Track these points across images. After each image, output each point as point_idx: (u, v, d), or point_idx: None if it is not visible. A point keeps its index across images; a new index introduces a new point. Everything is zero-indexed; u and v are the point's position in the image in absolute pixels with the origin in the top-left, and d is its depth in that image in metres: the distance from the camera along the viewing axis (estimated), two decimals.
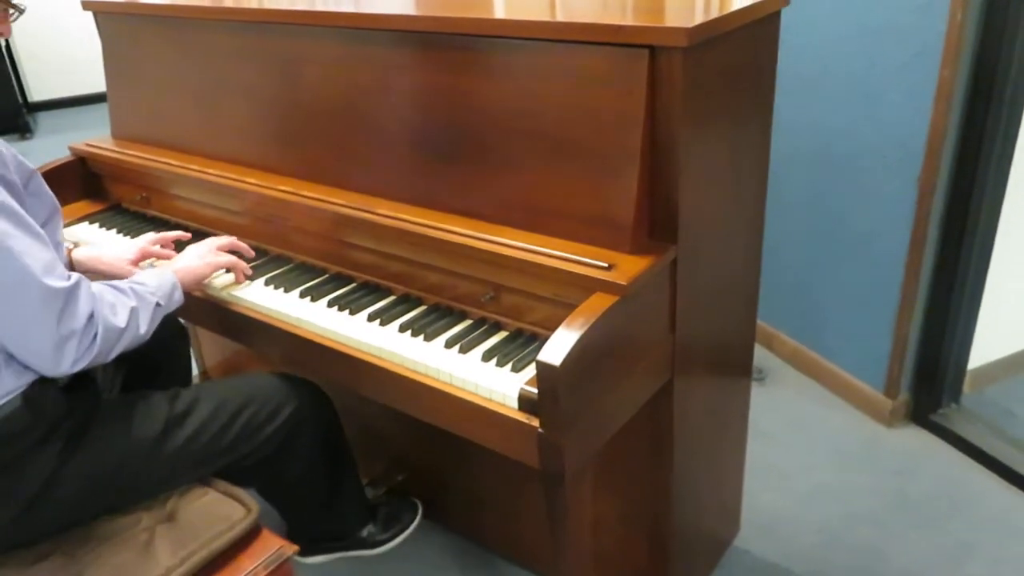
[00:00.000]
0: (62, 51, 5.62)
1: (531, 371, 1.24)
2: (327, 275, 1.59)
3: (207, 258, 1.52)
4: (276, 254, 1.67)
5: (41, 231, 1.19)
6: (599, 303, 1.18)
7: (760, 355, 2.63)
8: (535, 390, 1.16)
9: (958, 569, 1.84)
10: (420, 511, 1.94)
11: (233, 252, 1.58)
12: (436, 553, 1.95)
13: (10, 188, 1.17)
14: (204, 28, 1.78)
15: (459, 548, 1.95)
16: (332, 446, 1.63)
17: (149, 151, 1.90)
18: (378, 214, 1.47)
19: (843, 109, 2.17)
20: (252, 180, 1.68)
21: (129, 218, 1.92)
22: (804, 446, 2.26)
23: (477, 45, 1.36)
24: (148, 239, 1.64)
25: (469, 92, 1.40)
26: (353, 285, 1.54)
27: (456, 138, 1.43)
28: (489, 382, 1.23)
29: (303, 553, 1.71)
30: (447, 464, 1.93)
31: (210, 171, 1.75)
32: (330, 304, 1.48)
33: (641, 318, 1.27)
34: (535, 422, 1.16)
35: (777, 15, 1.41)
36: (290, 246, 1.66)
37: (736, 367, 1.74)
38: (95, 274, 1.54)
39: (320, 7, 1.64)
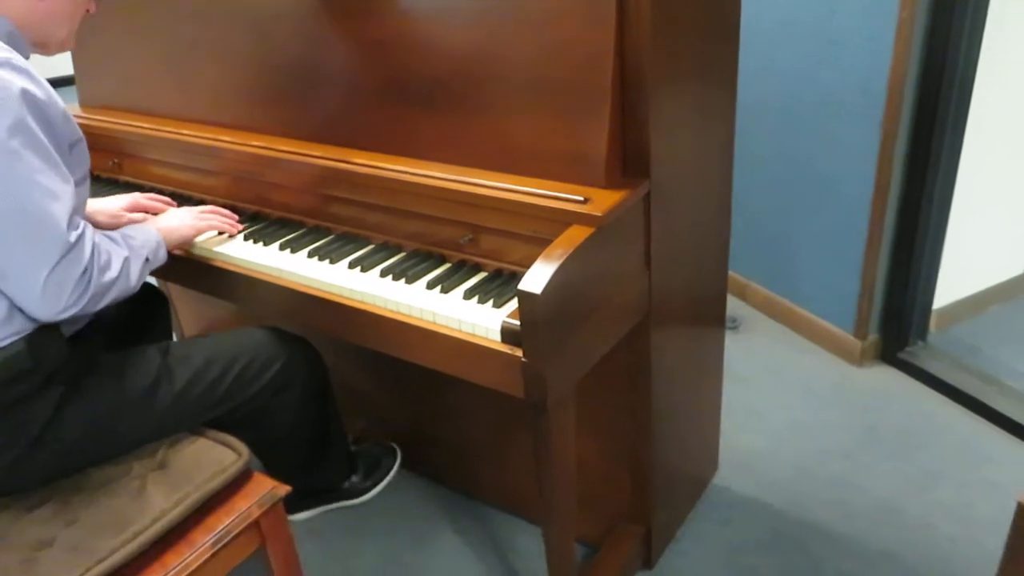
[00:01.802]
0: None
1: (512, 305, 1.28)
2: (305, 228, 1.60)
3: (190, 221, 1.54)
4: (253, 212, 1.68)
5: (71, 179, 1.20)
6: (576, 235, 1.21)
7: (734, 304, 2.69)
8: (517, 322, 1.19)
9: (926, 495, 1.92)
10: (399, 454, 1.97)
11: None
12: (422, 503, 1.98)
13: (52, 132, 1.18)
14: None
15: (445, 497, 1.99)
16: (321, 401, 1.65)
17: (118, 116, 1.90)
18: (355, 163, 1.49)
19: (806, 56, 2.21)
20: (225, 138, 1.68)
21: (102, 185, 1.91)
22: (778, 388, 2.32)
23: None
24: (137, 195, 1.66)
25: (439, 38, 1.41)
26: (332, 236, 1.56)
27: (428, 85, 1.45)
28: (472, 318, 1.26)
29: (289, 511, 1.74)
30: (432, 416, 1.96)
31: (182, 131, 1.75)
32: (310, 255, 1.50)
33: (617, 250, 1.31)
34: (518, 352, 1.19)
35: None
36: (267, 203, 1.67)
37: (710, 313, 1.78)
38: (94, 225, 1.56)
39: None
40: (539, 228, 1.30)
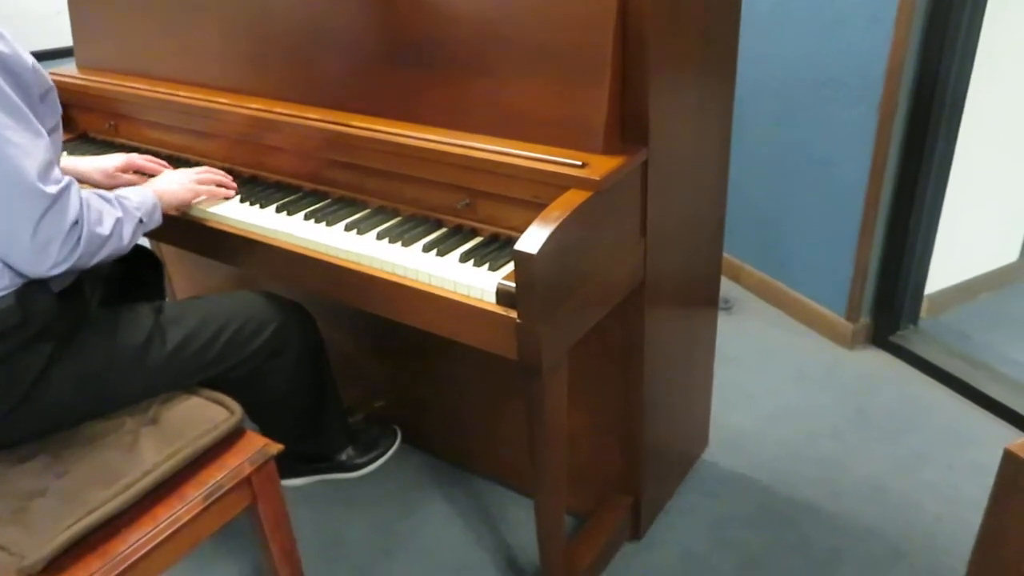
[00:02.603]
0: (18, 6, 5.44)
1: (507, 269, 1.28)
2: (302, 191, 1.60)
3: (187, 184, 1.53)
4: (250, 175, 1.68)
5: (44, 132, 1.19)
6: (574, 198, 1.21)
7: (727, 286, 2.70)
8: (512, 284, 1.19)
9: (913, 475, 1.93)
10: (399, 436, 1.98)
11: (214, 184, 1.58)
12: (414, 473, 1.99)
13: (18, 85, 1.17)
14: None
15: (436, 468, 2.00)
16: (315, 366, 1.65)
17: (115, 78, 1.89)
18: (354, 127, 1.48)
19: (805, 37, 2.21)
20: (223, 100, 1.68)
21: (97, 147, 1.90)
22: (769, 369, 2.33)
23: None
24: (132, 155, 1.66)
25: (438, 2, 1.41)
26: (329, 200, 1.56)
27: (429, 49, 1.44)
28: (467, 280, 1.26)
29: (283, 475, 1.75)
30: (424, 388, 1.97)
31: (179, 93, 1.74)
32: (307, 217, 1.50)
33: (614, 216, 1.31)
34: (513, 314, 1.20)
35: None
36: (263, 166, 1.67)
37: (704, 292, 1.79)
38: (89, 184, 1.60)
39: None
40: (536, 192, 1.30)
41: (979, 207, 2.37)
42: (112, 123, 1.90)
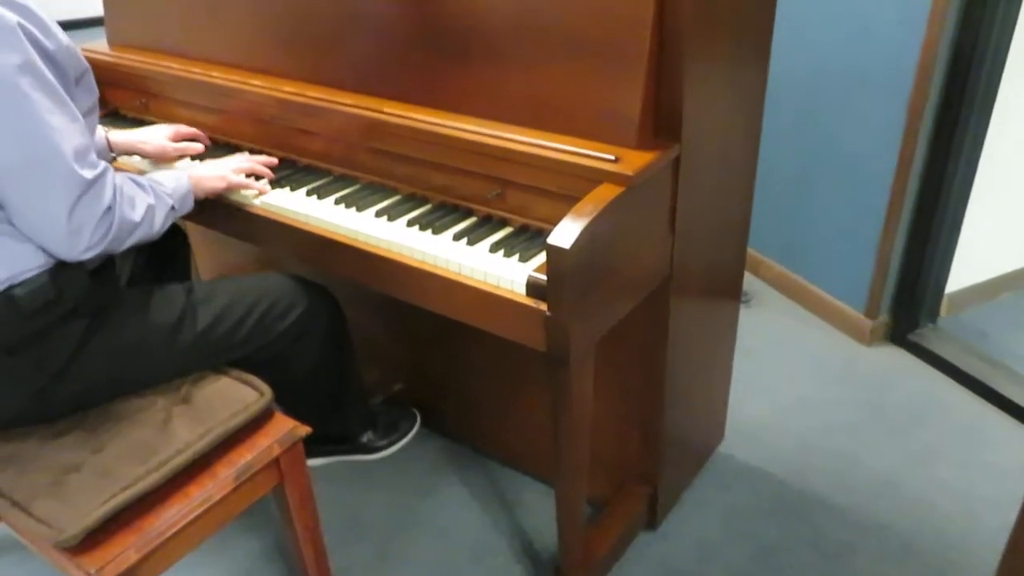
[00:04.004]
0: None
1: (538, 260, 1.29)
2: (332, 176, 1.61)
3: (223, 173, 1.54)
4: (280, 157, 1.69)
5: (80, 117, 1.21)
6: (606, 192, 1.22)
7: (747, 279, 2.68)
8: (543, 276, 1.21)
9: (926, 472, 1.95)
10: (418, 420, 2.01)
11: (252, 174, 1.59)
12: (432, 456, 2.02)
13: (55, 67, 1.18)
14: None
15: (454, 452, 2.03)
16: (339, 349, 1.67)
17: (147, 56, 1.90)
18: (387, 113, 1.49)
19: (836, 30, 2.20)
20: (256, 82, 1.69)
21: (128, 124, 1.92)
22: (786, 363, 2.34)
23: None
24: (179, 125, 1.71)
25: None
26: (359, 185, 1.57)
27: (463, 37, 1.45)
28: (497, 270, 1.28)
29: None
30: (443, 372, 1.99)
31: (212, 73, 1.75)
32: (337, 202, 1.51)
33: (644, 211, 1.32)
34: (543, 306, 1.21)
35: None
36: (295, 149, 1.68)
37: (727, 285, 1.80)
38: (141, 154, 1.67)
39: None
40: (568, 185, 1.31)
41: (1002, 206, 2.36)
42: (143, 101, 1.92)
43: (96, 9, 2.03)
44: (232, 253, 2.29)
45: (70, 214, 1.16)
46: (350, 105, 1.54)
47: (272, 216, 1.53)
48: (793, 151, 2.45)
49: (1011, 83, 2.07)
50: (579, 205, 1.20)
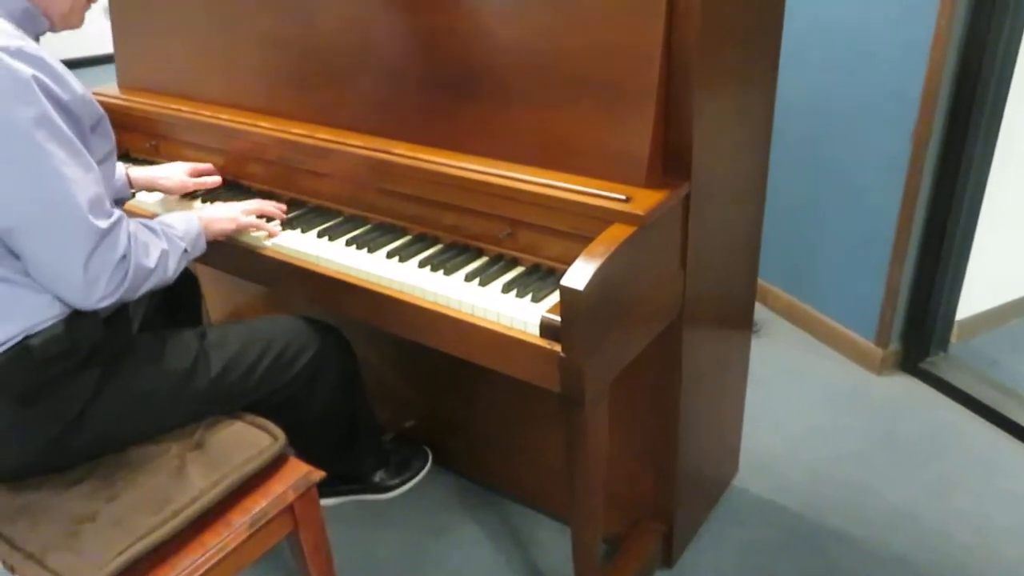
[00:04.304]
0: None
1: (551, 301, 1.29)
2: (342, 217, 1.62)
3: (234, 215, 1.54)
4: (289, 198, 1.70)
5: (95, 166, 1.21)
6: (618, 232, 1.22)
7: (755, 309, 2.69)
8: (556, 317, 1.20)
9: (943, 503, 1.93)
10: (430, 458, 2.00)
11: (263, 216, 1.60)
12: (442, 494, 2.00)
13: (69, 118, 1.18)
14: None
15: (467, 489, 2.01)
16: (351, 388, 1.67)
17: (157, 98, 1.91)
18: (396, 154, 1.50)
19: (839, 61, 2.22)
20: (265, 124, 1.70)
21: (139, 166, 1.93)
22: (797, 393, 2.33)
23: None
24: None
25: (484, 31, 1.43)
26: (369, 226, 1.58)
27: (470, 77, 1.46)
28: (511, 311, 1.28)
29: None
30: (454, 409, 1.98)
31: (222, 116, 1.76)
32: (348, 243, 1.52)
33: (656, 250, 1.32)
34: (557, 347, 1.21)
35: None
36: (302, 190, 1.69)
37: (738, 316, 1.79)
38: (162, 190, 1.72)
39: None
40: (579, 225, 1.31)
41: (1010, 232, 2.36)
42: (153, 143, 1.93)
43: (107, 47, 2.05)
44: (242, 294, 2.30)
45: (86, 264, 1.16)
46: (360, 146, 1.55)
47: (283, 258, 1.53)
48: (799, 180, 2.46)
49: (1016, 109, 2.08)
50: (591, 246, 1.20)
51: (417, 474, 1.97)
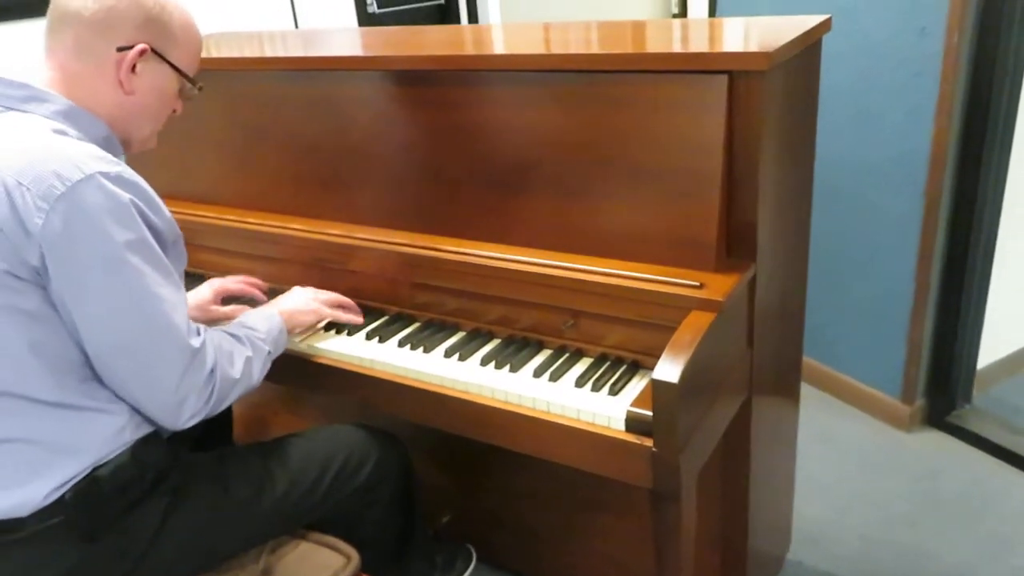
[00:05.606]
0: None
1: (630, 393, 1.26)
2: (388, 316, 1.58)
3: (314, 305, 1.49)
4: None
5: (183, 287, 1.20)
6: (700, 320, 1.21)
7: None
8: (644, 411, 1.17)
9: (1002, 562, 1.90)
10: (474, 557, 1.92)
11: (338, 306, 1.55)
12: None
13: (161, 242, 1.17)
14: (237, 78, 1.78)
15: None
16: (408, 495, 1.60)
17: (177, 205, 1.87)
18: (445, 250, 1.47)
19: (844, 131, 2.27)
20: (296, 225, 1.66)
21: None
22: (832, 457, 2.31)
23: (549, 80, 1.39)
24: (220, 280, 1.63)
25: (531, 124, 1.43)
26: (418, 324, 1.54)
27: (521, 170, 1.45)
28: (590, 406, 1.24)
29: None
30: (495, 500, 1.91)
31: (250, 220, 1.72)
32: (401, 344, 1.47)
33: (731, 332, 1.31)
34: (647, 442, 1.17)
35: (820, 40, 1.49)
36: (343, 291, 1.64)
37: (789, 384, 1.78)
38: None
39: (371, 51, 1.66)
40: (646, 312, 1.30)
41: (1019, 279, 2.41)
42: None
43: None
44: (258, 394, 2.22)
45: (178, 384, 1.13)
46: (404, 244, 1.52)
47: (333, 363, 1.48)
48: (815, 245, 2.47)
49: (1021, 166, 2.14)
50: (677, 336, 1.18)
51: (462, 574, 1.88)
